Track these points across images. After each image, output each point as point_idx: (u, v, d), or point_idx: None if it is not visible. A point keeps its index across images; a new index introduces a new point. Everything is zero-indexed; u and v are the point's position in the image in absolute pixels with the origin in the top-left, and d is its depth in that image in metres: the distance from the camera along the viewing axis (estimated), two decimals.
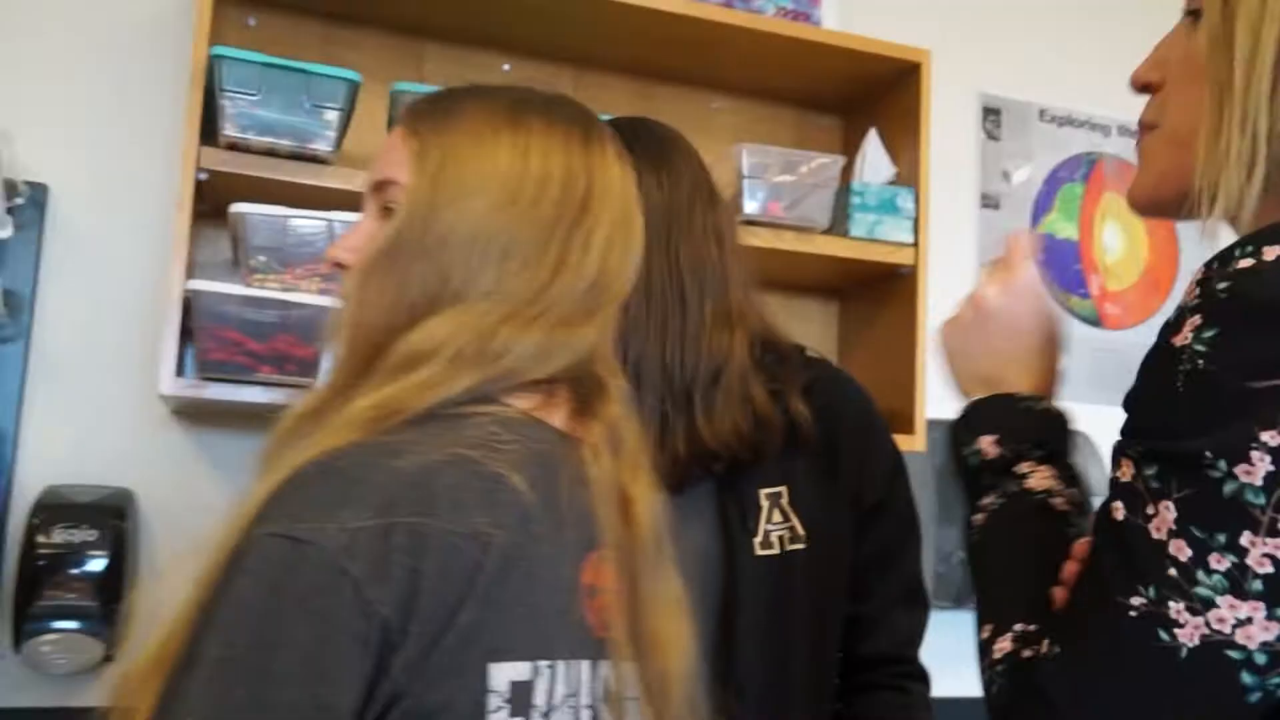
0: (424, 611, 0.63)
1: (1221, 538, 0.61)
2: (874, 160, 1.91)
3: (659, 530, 0.79)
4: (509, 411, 0.76)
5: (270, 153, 1.50)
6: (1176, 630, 0.62)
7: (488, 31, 1.85)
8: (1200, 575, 0.61)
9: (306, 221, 1.46)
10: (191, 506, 1.63)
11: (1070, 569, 0.73)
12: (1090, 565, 0.68)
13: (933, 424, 1.97)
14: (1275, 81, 0.72)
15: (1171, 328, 0.67)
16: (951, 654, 1.34)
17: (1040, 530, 0.77)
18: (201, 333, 1.41)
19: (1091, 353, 2.29)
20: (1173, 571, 0.62)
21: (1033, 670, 0.67)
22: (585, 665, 0.72)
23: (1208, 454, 0.62)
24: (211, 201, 1.60)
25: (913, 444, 1.83)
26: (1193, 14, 0.80)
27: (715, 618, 1.09)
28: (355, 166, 1.58)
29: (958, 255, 2.25)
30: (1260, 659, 0.61)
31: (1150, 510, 0.64)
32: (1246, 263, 0.65)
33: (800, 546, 1.11)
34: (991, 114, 2.31)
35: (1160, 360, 0.67)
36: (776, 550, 1.10)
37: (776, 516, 1.12)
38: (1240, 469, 0.61)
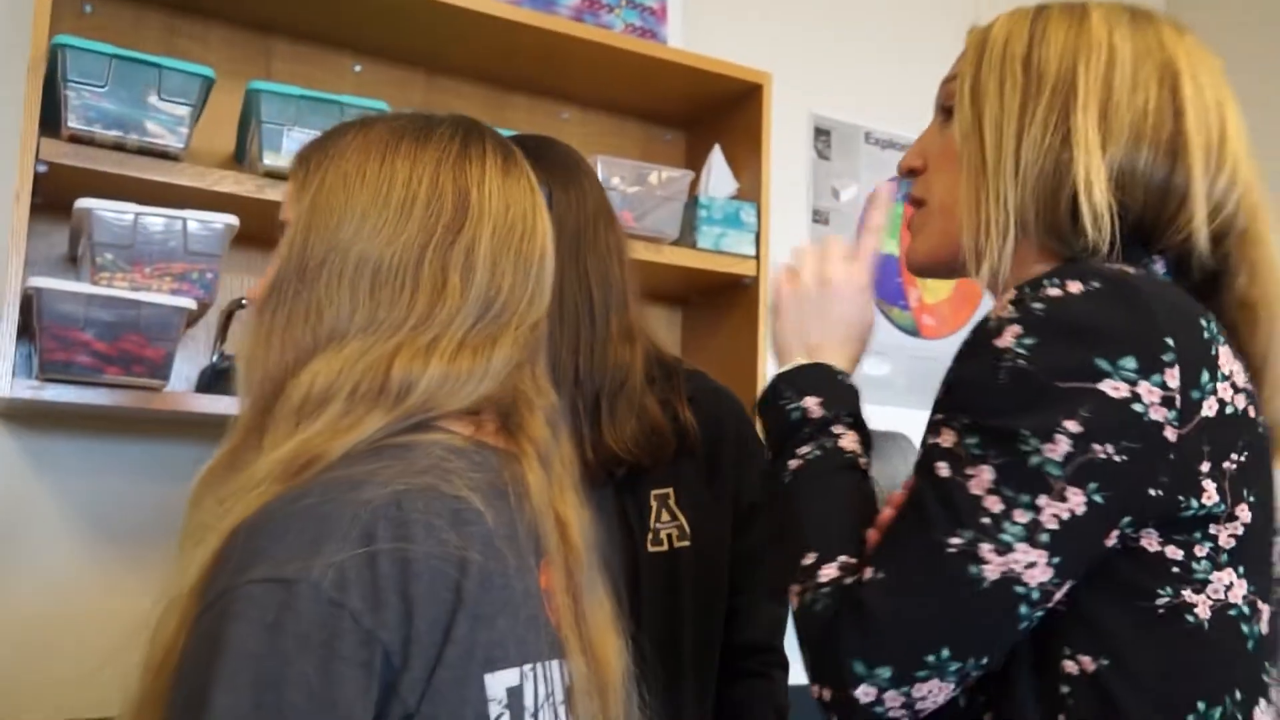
0: (421, 633, 0.65)
1: (1025, 498, 0.77)
2: (718, 175, 1.99)
3: (589, 547, 0.81)
4: (451, 438, 0.77)
5: (118, 147, 1.45)
6: (984, 566, 0.77)
7: (338, 31, 1.83)
8: (1006, 525, 0.77)
9: (157, 219, 1.41)
10: (24, 515, 1.55)
11: (885, 515, 0.86)
12: (910, 509, 0.81)
13: None
14: (1016, 164, 0.89)
15: (992, 332, 0.82)
16: None
17: (854, 482, 0.91)
18: (44, 332, 1.34)
19: (909, 360, 2.46)
20: (985, 520, 0.77)
21: (857, 591, 0.80)
22: (555, 664, 0.75)
23: (1024, 431, 0.77)
24: (47, 195, 1.53)
25: None
26: (946, 110, 0.98)
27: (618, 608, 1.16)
28: (205, 164, 1.54)
29: None
30: (1035, 595, 0.78)
31: (970, 471, 0.78)
32: (1055, 292, 0.81)
33: (686, 544, 1.20)
34: (822, 134, 2.45)
35: (983, 355, 0.81)
36: (665, 547, 1.18)
37: (665, 516, 1.21)
38: (1046, 447, 0.77)
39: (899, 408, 2.41)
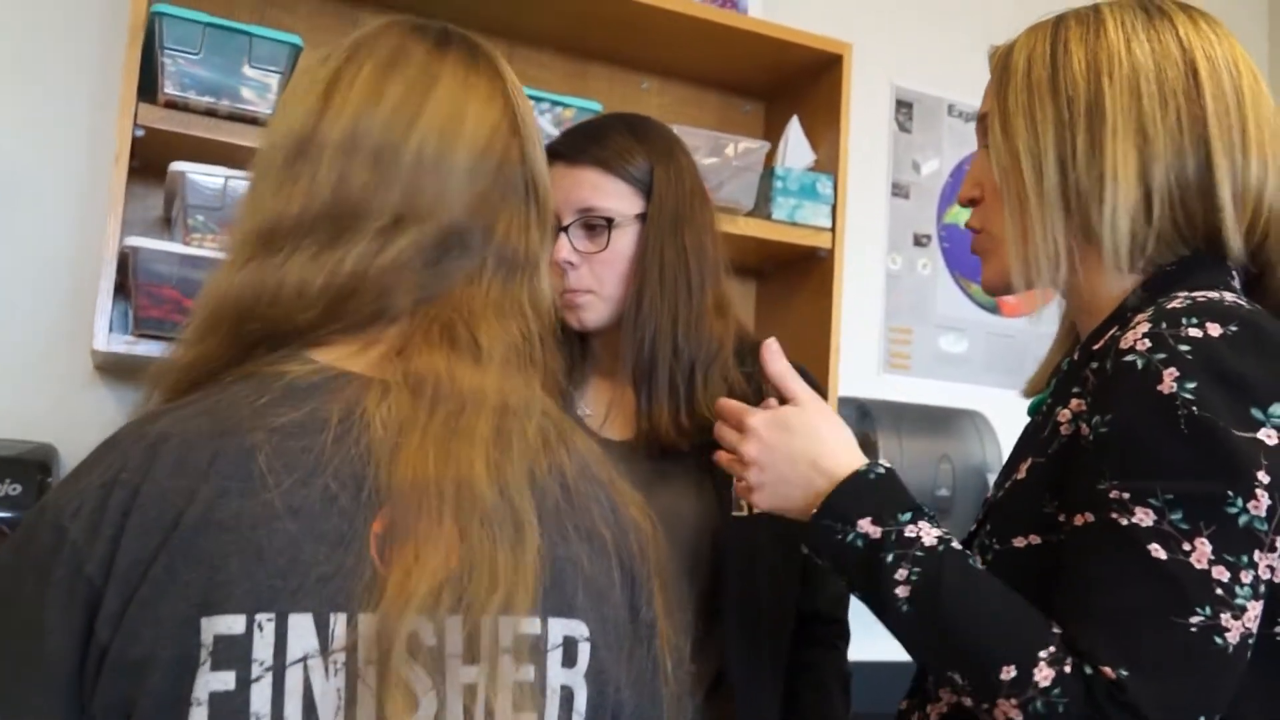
0: (121, 566, 0.64)
1: (1245, 558, 0.79)
2: (795, 146, 1.98)
3: (442, 479, 0.69)
4: (297, 368, 0.72)
5: (210, 113, 1.50)
6: (1227, 634, 0.78)
7: (422, 2, 1.86)
8: (1237, 589, 0.79)
9: (246, 183, 1.46)
10: None
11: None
12: (1131, 594, 0.80)
13: (844, 401, 2.08)
14: (1063, 197, 0.91)
15: (1149, 376, 0.81)
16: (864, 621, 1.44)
17: (976, 572, 0.88)
18: (138, 290, 1.41)
19: (987, 336, 2.43)
20: (1219, 591, 0.79)
21: (1114, 692, 0.78)
22: (366, 618, 0.66)
23: (1229, 493, 0.79)
24: (144, 159, 1.59)
25: None
26: (986, 146, 0.98)
27: (700, 569, 1.23)
28: None
29: (869, 241, 2.36)
30: (1252, 640, 0.80)
31: (1188, 547, 0.79)
32: (1196, 333, 0.82)
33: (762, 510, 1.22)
34: (904, 107, 2.42)
35: (1150, 405, 0.81)
36: (746, 513, 1.21)
37: None
38: (1251, 505, 0.79)
39: (976, 385, 2.39)
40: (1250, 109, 0.92)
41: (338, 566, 0.66)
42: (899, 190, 2.40)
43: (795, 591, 1.30)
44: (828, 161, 1.98)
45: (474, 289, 0.76)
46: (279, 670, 0.64)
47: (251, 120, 1.52)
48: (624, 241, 1.23)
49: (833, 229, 1.95)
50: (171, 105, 1.48)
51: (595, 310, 1.24)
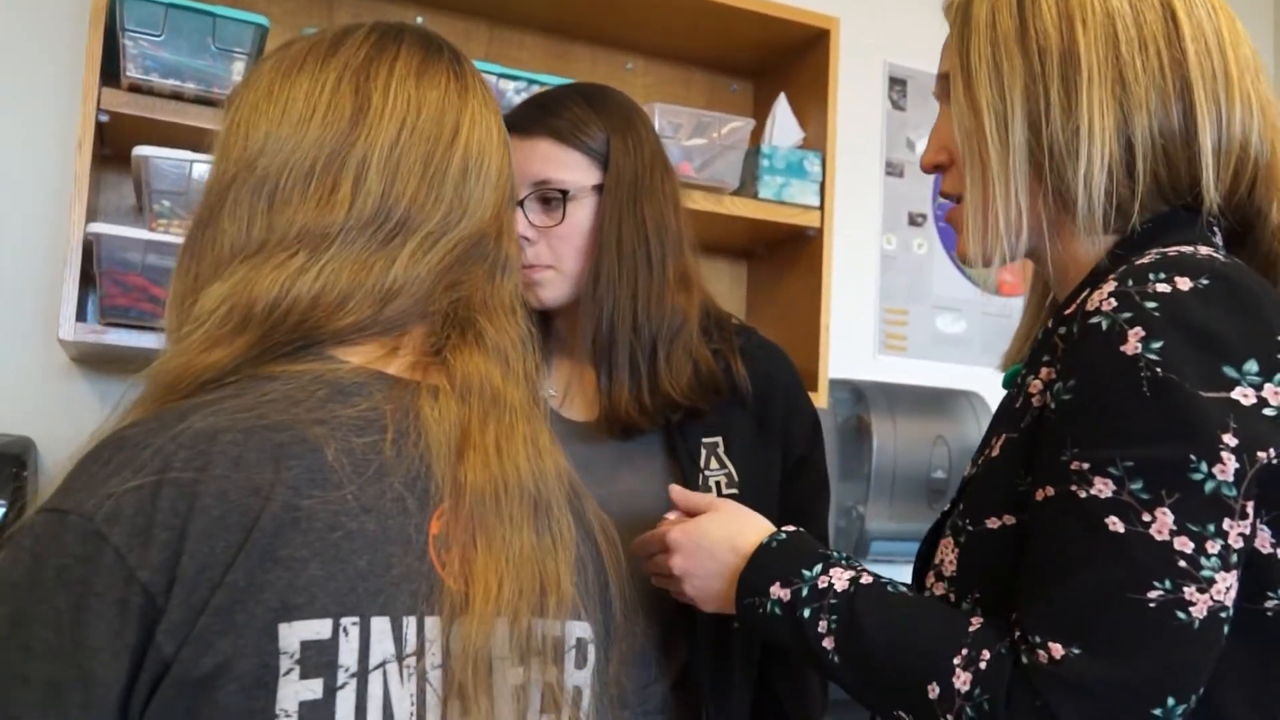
0: (188, 573, 0.59)
1: (1211, 527, 0.74)
2: (783, 124, 1.94)
3: (507, 483, 0.72)
4: (331, 367, 0.71)
5: (175, 96, 1.47)
6: (1190, 609, 0.73)
7: None
8: (1202, 560, 0.73)
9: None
10: None
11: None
12: (1082, 571, 0.75)
13: (835, 383, 2.04)
14: (1030, 157, 0.86)
15: (1112, 337, 0.76)
16: None
17: (891, 599, 0.85)
18: (104, 278, 1.38)
19: (984, 317, 2.38)
20: (1181, 564, 0.73)
21: (1058, 671, 0.74)
22: (434, 621, 0.66)
23: (1192, 457, 0.73)
24: (114, 145, 1.57)
25: (817, 400, 1.89)
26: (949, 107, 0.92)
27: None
28: None
29: (863, 220, 2.31)
30: (1230, 612, 0.75)
31: (1148, 518, 0.74)
32: (1164, 288, 0.77)
33: (734, 492, 1.21)
34: (897, 84, 2.37)
35: (1113, 368, 0.76)
36: (714, 494, 1.17)
37: (714, 463, 1.22)
38: (1216, 469, 0.73)
39: (974, 365, 2.35)
40: (1230, 50, 0.87)
41: (406, 569, 0.66)
42: (893, 169, 2.35)
43: None
44: (817, 139, 1.94)
45: (488, 289, 0.78)
46: (362, 676, 0.63)
47: (217, 103, 1.49)
48: (581, 214, 1.20)
49: (821, 208, 1.91)
50: (135, 89, 1.46)
51: (554, 287, 1.21)
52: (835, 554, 0.92)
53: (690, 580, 1.01)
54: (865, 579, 0.87)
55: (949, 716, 0.77)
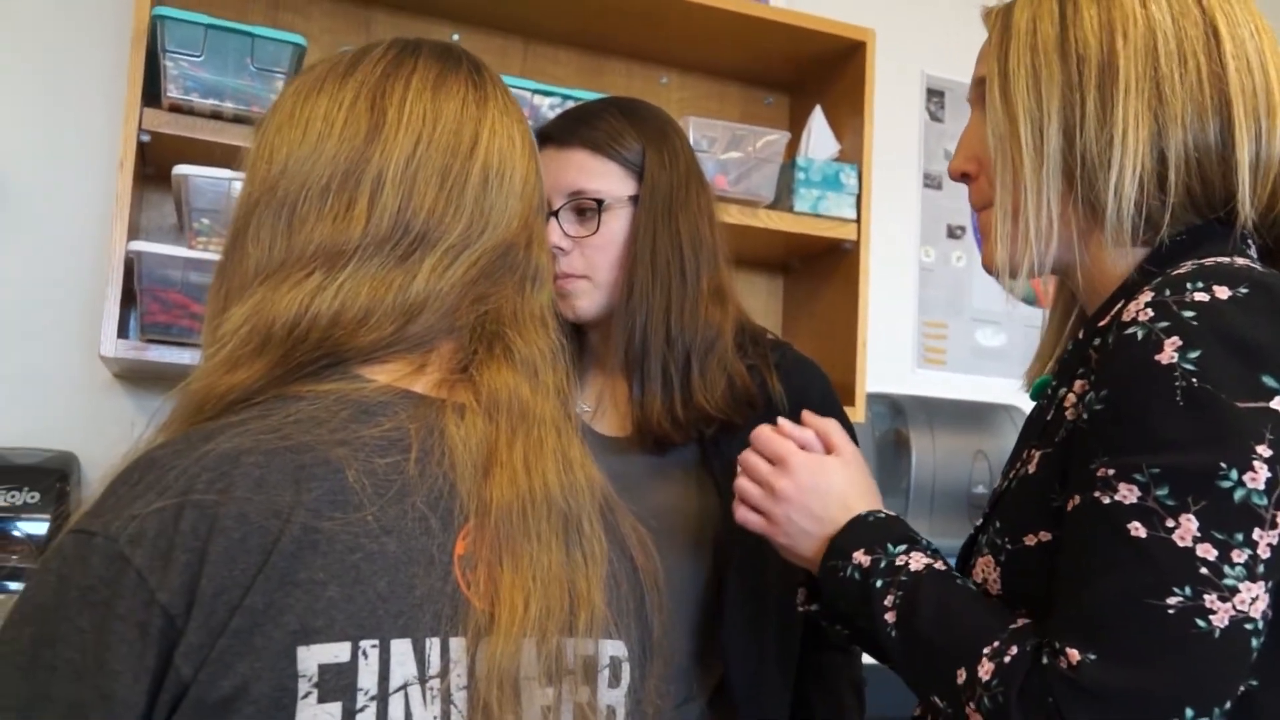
0: (206, 595, 0.59)
1: (1239, 536, 0.72)
2: (819, 137, 1.93)
3: (535, 500, 0.71)
4: (355, 386, 0.70)
5: (215, 115, 1.49)
6: (1211, 617, 0.72)
7: (436, 1, 1.84)
8: (1226, 569, 0.72)
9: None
10: None
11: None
12: (1103, 576, 0.75)
13: (872, 397, 2.02)
14: (1065, 166, 0.85)
15: (1148, 346, 0.76)
16: None
17: (953, 584, 0.87)
18: (144, 295, 1.40)
19: (1025, 329, 2.35)
20: (1203, 570, 0.72)
21: (1074, 676, 0.73)
22: (459, 642, 0.66)
23: (1222, 465, 0.72)
24: (155, 164, 1.59)
25: (854, 415, 1.87)
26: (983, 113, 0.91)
27: (700, 569, 1.20)
28: None
29: (901, 233, 2.30)
30: (1260, 625, 0.74)
31: (1171, 524, 0.73)
32: (1202, 297, 0.76)
33: None
34: (935, 95, 2.35)
35: (1147, 377, 0.75)
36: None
37: None
38: (1248, 477, 0.72)
39: (1014, 379, 2.30)
40: (1273, 69, 0.86)
41: (429, 590, 0.65)
42: (931, 181, 2.33)
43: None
44: (853, 152, 1.93)
45: (518, 301, 0.77)
46: (382, 699, 0.62)
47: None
48: (616, 225, 1.20)
49: (858, 220, 1.90)
50: (176, 109, 1.48)
51: (589, 298, 1.21)
52: (923, 540, 0.94)
53: (787, 507, 0.99)
54: (940, 565, 0.89)
55: (970, 704, 0.78)
